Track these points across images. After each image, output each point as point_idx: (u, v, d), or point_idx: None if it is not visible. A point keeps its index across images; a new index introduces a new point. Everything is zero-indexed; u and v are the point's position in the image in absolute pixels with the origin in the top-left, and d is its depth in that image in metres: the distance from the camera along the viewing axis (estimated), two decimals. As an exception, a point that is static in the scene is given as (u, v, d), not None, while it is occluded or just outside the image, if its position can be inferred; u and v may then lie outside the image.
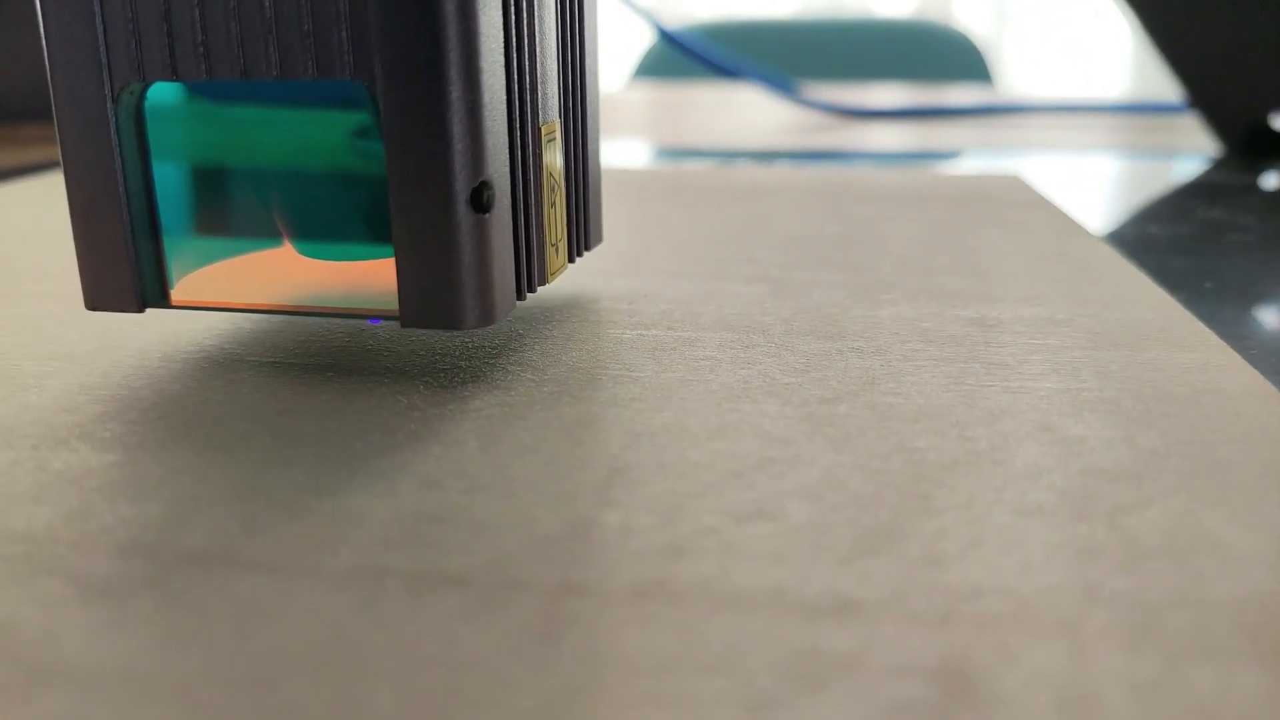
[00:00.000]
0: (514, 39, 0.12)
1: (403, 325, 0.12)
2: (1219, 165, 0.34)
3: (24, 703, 0.07)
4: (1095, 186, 0.30)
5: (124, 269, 0.13)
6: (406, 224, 0.12)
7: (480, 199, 0.12)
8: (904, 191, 0.27)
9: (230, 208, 0.13)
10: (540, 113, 0.13)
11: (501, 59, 0.12)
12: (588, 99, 0.15)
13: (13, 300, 0.17)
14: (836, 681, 0.07)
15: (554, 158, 0.14)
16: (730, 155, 0.37)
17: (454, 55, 0.11)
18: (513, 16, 0.12)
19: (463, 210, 0.12)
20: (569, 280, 0.18)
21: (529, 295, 0.14)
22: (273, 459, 0.11)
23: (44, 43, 0.12)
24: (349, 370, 0.13)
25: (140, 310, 0.13)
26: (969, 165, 0.34)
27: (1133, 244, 0.22)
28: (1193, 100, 0.37)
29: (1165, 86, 1.39)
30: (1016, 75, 1.45)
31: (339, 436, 0.11)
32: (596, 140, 0.16)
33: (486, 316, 0.12)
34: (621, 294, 0.17)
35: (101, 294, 0.13)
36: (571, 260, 0.15)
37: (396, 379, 0.13)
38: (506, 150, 0.12)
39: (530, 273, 0.14)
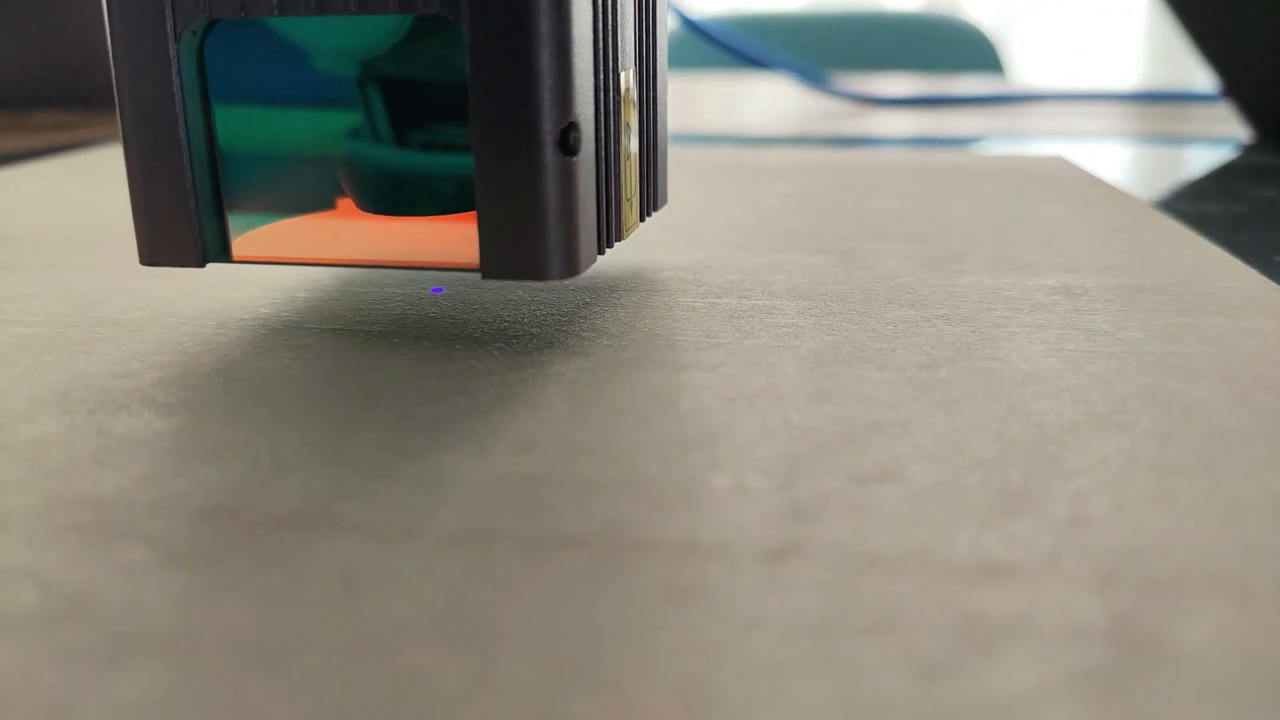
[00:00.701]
0: None
1: (484, 277, 0.11)
2: (1253, 150, 0.33)
3: (117, 672, 0.07)
4: (1135, 170, 0.29)
5: (185, 221, 0.12)
6: (490, 167, 0.11)
7: (567, 141, 0.11)
8: (951, 170, 0.27)
9: (291, 174, 0.12)
10: (620, 59, 0.13)
11: None
12: (658, 52, 0.15)
13: (48, 271, 0.16)
14: (1008, 645, 0.07)
15: (630, 108, 0.13)
16: (759, 140, 0.36)
17: None
18: None
19: (550, 152, 0.11)
20: (626, 252, 0.17)
21: (605, 252, 0.13)
22: (352, 422, 0.10)
23: None
24: (416, 337, 0.13)
25: (201, 265, 0.12)
26: (1000, 150, 0.34)
27: (1193, 221, 0.21)
28: (1225, 87, 0.37)
29: (1177, 75, 1.39)
30: (1027, 67, 1.44)
31: (418, 400, 0.11)
32: (665, 95, 0.15)
33: (571, 267, 0.11)
34: (684, 265, 0.16)
35: (160, 248, 0.12)
36: (642, 218, 0.14)
37: (468, 345, 0.12)
38: (592, 92, 0.12)
39: (610, 225, 0.13)
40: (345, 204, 0.12)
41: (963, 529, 0.08)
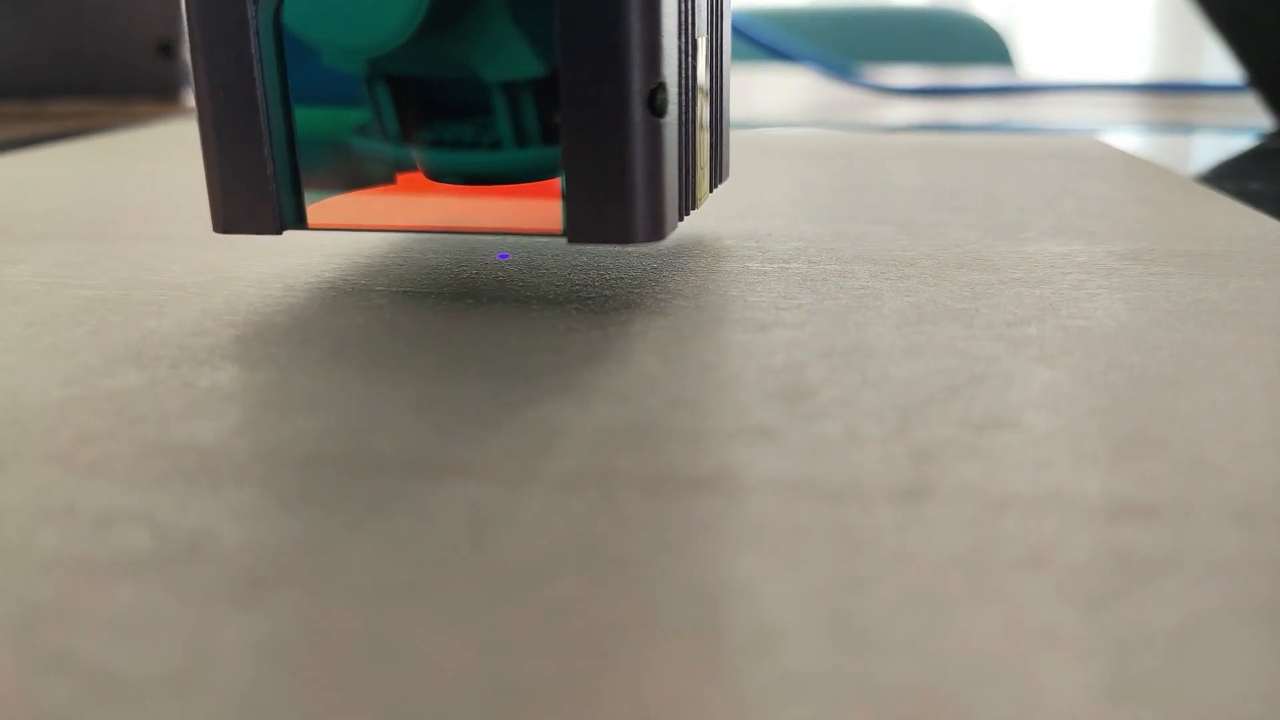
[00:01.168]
0: None
1: (570, 240, 0.11)
2: (1277, 137, 0.33)
3: (251, 607, 0.06)
4: (1166, 153, 0.29)
5: (262, 188, 0.12)
6: (578, 128, 0.11)
7: (655, 102, 0.11)
8: (989, 149, 0.26)
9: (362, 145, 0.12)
10: (694, 22, 0.13)
11: None
12: (724, 21, 0.14)
13: (97, 240, 0.16)
14: (1165, 577, 0.07)
15: (703, 76, 0.13)
16: (781, 127, 0.36)
17: None
18: None
19: (640, 113, 0.11)
20: (684, 222, 0.17)
21: (684, 219, 0.13)
22: (442, 376, 0.10)
23: None
24: (489, 299, 0.13)
25: (279, 232, 0.12)
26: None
27: (1240, 198, 0.21)
28: (1250, 77, 0.37)
29: (1186, 66, 1.39)
30: (1035, 59, 1.44)
31: (505, 356, 0.11)
32: (729, 65, 0.15)
33: (657, 230, 0.11)
34: (745, 233, 0.16)
35: (236, 216, 0.12)
36: (710, 189, 0.14)
37: (543, 306, 0.12)
38: (677, 55, 0.11)
39: (689, 191, 0.13)
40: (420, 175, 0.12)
41: (1092, 472, 0.08)
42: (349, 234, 0.16)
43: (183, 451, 0.09)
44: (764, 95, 0.52)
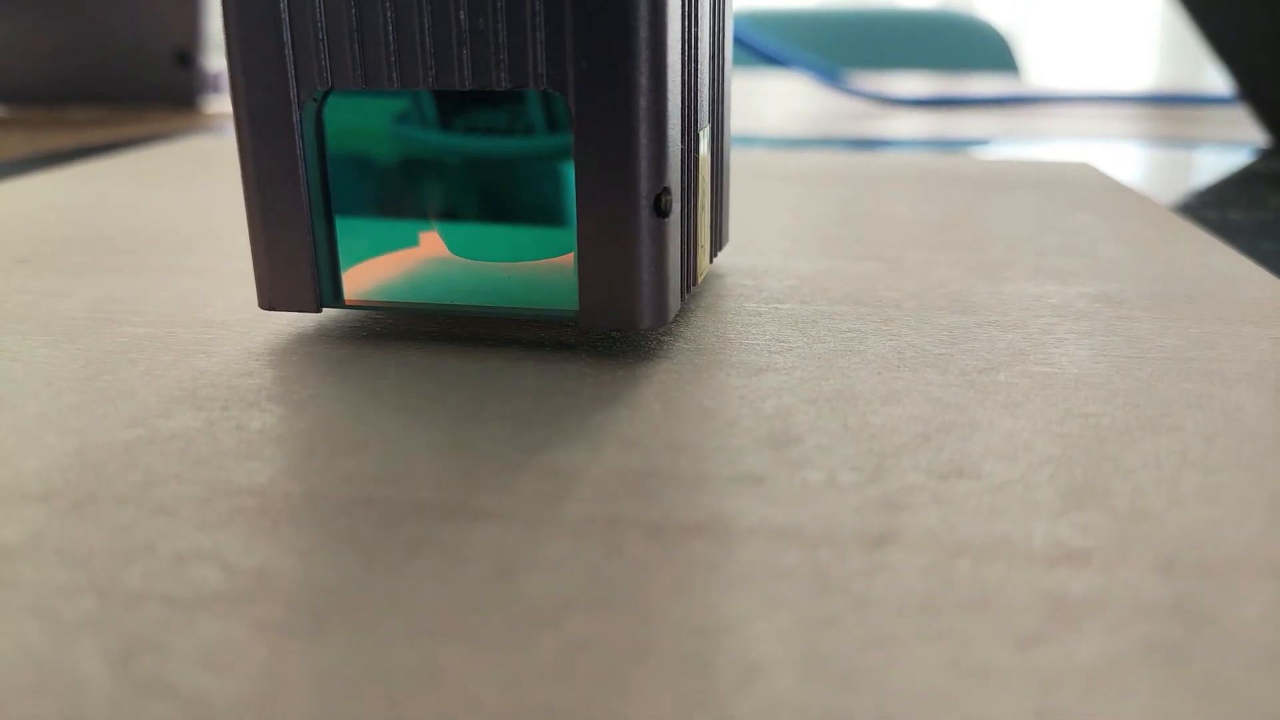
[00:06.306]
0: (686, 48, 0.13)
1: (581, 326, 0.12)
2: (1271, 156, 0.34)
3: (316, 641, 0.08)
4: (1157, 174, 0.30)
5: (304, 271, 0.13)
6: (591, 228, 0.12)
7: (659, 205, 0.12)
8: (984, 177, 0.27)
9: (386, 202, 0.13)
10: (698, 118, 0.14)
11: (680, 68, 0.12)
12: (726, 100, 0.16)
13: (141, 274, 0.17)
14: (1089, 620, 0.08)
15: (705, 165, 0.14)
16: (784, 142, 0.37)
17: (645, 66, 0.12)
18: (688, 26, 0.13)
19: (646, 216, 0.12)
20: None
21: (684, 299, 0.14)
22: (467, 418, 0.11)
23: (227, 48, 0.12)
24: (507, 342, 0.14)
25: (318, 310, 0.13)
26: (1020, 153, 0.35)
27: (1218, 229, 0.22)
28: (1241, 91, 0.38)
29: (1192, 72, 1.40)
30: (1041, 64, 1.45)
31: (523, 399, 0.12)
32: (729, 144, 0.16)
33: (661, 318, 0.12)
34: (743, 269, 0.17)
35: (279, 295, 0.13)
36: (709, 261, 0.15)
37: (556, 349, 0.13)
38: (680, 159, 0.13)
39: (690, 275, 0.14)
40: (445, 255, 0.13)
41: (1038, 520, 0.09)
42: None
43: (243, 493, 0.10)
44: (763, 103, 0.52)
